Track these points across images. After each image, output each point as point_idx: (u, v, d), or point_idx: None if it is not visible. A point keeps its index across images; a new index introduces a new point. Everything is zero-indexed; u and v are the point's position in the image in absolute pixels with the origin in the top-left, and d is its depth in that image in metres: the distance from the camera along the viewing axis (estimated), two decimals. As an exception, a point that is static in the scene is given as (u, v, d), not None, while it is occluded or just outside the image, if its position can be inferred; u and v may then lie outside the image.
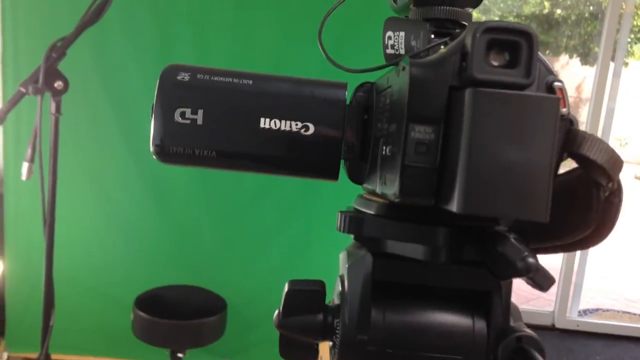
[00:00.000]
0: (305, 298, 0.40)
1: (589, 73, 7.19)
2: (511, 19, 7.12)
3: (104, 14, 1.26)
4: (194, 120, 0.36)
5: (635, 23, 7.02)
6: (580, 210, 0.34)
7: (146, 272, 2.24)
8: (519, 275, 0.31)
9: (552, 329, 3.20)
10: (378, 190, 0.37)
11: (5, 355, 2.26)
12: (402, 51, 0.37)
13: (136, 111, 2.13)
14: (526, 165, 0.29)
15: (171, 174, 2.22)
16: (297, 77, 0.39)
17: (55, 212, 1.37)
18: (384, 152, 0.36)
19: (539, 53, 0.30)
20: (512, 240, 0.32)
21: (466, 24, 0.39)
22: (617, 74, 2.84)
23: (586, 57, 7.23)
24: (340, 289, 0.38)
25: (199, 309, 2.07)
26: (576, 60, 7.59)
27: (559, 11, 7.24)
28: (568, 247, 0.36)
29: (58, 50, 1.27)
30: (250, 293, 2.27)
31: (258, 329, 2.29)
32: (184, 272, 2.26)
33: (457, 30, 0.39)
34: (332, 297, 0.41)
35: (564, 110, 0.31)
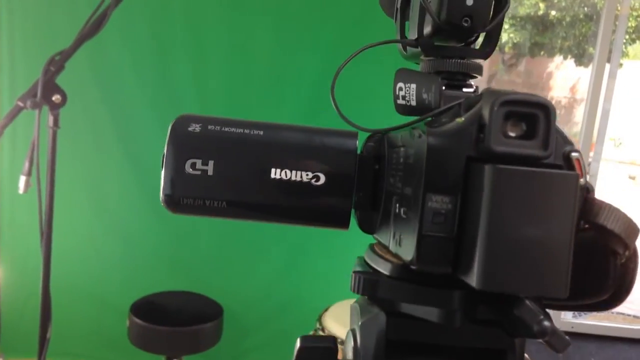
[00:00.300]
0: (317, 355, 0.40)
1: (583, 74, 7.22)
2: (506, 20, 7.14)
3: (103, 27, 1.26)
4: (205, 171, 0.37)
5: (629, 24, 7.05)
6: (596, 276, 0.35)
7: (143, 278, 2.25)
8: (534, 337, 0.32)
9: (547, 331, 3.21)
10: (392, 248, 0.37)
11: (0, 360, 2.27)
12: (414, 103, 0.37)
13: (134, 121, 2.14)
14: (546, 242, 0.29)
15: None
16: (308, 127, 0.39)
17: (52, 224, 1.37)
18: (397, 211, 0.35)
19: (556, 124, 0.30)
20: (528, 303, 0.32)
21: (476, 75, 0.39)
22: (612, 75, 2.86)
23: (580, 58, 7.25)
24: (352, 344, 0.38)
25: (196, 315, 2.07)
26: (571, 61, 7.61)
27: (553, 12, 7.25)
28: (584, 307, 0.36)
29: (56, 64, 1.27)
30: (247, 299, 2.27)
31: (254, 335, 2.29)
32: (181, 278, 2.27)
33: (469, 82, 0.39)
34: (344, 349, 0.41)
35: (582, 180, 0.31)
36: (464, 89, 0.39)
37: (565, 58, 7.57)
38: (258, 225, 2.22)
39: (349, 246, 2.26)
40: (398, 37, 0.43)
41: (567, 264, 0.29)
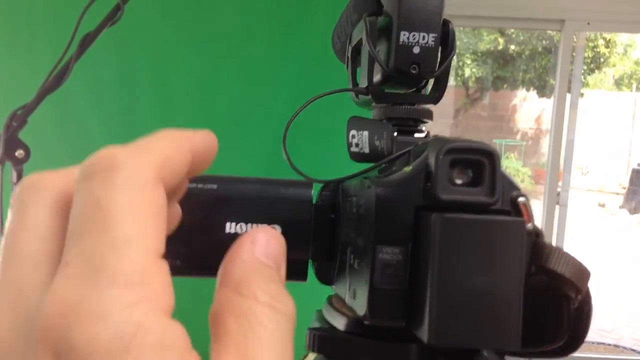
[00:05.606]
0: None
1: (547, 105, 7.40)
2: (468, 55, 7.31)
3: (65, 79, 1.24)
4: None
5: (587, 55, 7.30)
6: (550, 321, 0.33)
7: None
8: None
9: (528, 363, 3.19)
10: (348, 301, 0.35)
11: None
12: (367, 150, 0.37)
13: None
14: (496, 292, 0.28)
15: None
16: (262, 178, 0.37)
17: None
18: (351, 262, 0.34)
19: (502, 169, 0.30)
20: (486, 354, 0.32)
21: (427, 120, 0.39)
22: (574, 106, 2.91)
23: (543, 90, 7.46)
24: None
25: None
26: (533, 93, 7.82)
27: (513, 47, 7.47)
28: (540, 354, 0.35)
29: (19, 119, 1.24)
30: None
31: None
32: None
33: (420, 127, 0.39)
34: None
35: (529, 225, 0.30)
36: (416, 134, 0.39)
37: (528, 90, 7.77)
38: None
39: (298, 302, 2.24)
40: (350, 85, 0.42)
41: (518, 314, 0.28)
